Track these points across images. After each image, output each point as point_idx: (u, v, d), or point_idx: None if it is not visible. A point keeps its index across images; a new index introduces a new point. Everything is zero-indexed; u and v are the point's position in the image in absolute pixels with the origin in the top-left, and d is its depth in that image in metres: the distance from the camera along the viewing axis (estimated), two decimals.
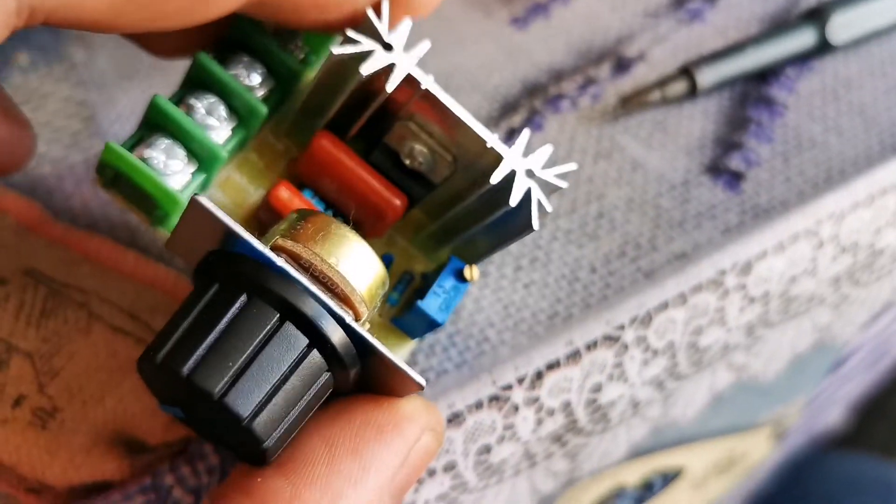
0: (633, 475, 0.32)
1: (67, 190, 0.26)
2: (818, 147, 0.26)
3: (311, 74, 0.21)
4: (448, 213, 0.20)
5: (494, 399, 0.22)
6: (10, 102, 0.20)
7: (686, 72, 0.27)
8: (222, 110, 0.19)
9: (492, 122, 0.27)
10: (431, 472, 0.22)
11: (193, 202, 0.16)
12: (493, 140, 0.18)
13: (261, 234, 0.18)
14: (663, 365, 0.24)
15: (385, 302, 0.20)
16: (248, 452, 0.17)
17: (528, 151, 0.18)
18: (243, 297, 0.16)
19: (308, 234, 0.17)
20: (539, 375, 0.22)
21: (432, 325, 0.19)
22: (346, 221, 0.19)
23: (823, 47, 0.29)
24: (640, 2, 0.31)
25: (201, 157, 0.19)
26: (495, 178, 0.18)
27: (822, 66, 0.29)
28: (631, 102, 0.27)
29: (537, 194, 0.18)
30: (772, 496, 0.54)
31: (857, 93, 0.28)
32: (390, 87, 0.18)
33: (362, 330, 0.17)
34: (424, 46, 0.19)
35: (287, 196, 0.19)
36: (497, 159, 0.18)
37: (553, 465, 0.26)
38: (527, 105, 0.28)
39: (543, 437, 0.23)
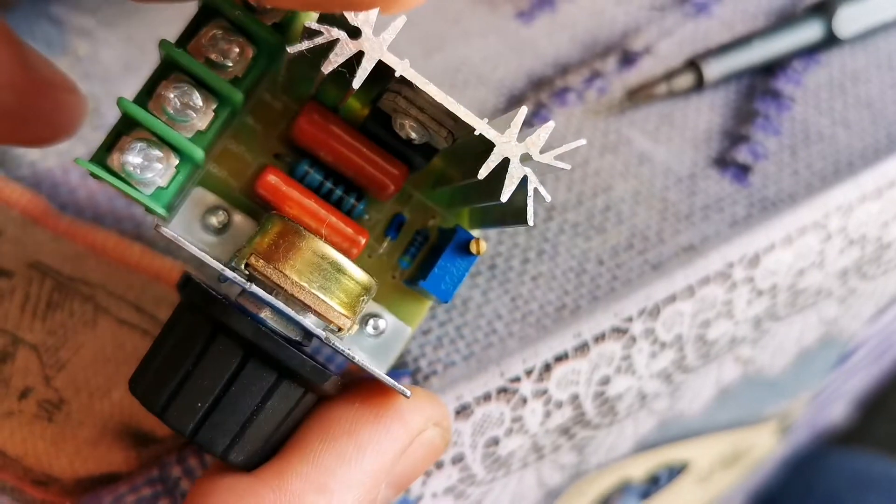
0: (639, 469, 0.32)
1: (72, 183, 0.26)
2: (826, 140, 0.26)
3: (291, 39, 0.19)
4: (462, 177, 0.18)
5: (503, 391, 0.21)
6: (62, 73, 0.20)
7: (693, 65, 0.27)
8: (197, 97, 0.17)
9: (498, 115, 0.27)
10: (439, 465, 0.22)
11: (162, 232, 0.16)
12: (481, 126, 0.16)
13: (256, 218, 0.18)
14: (671, 357, 0.24)
15: (398, 265, 0.19)
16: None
17: (525, 135, 0.17)
18: (209, 333, 0.16)
19: (281, 252, 0.17)
20: (547, 367, 0.22)
21: (439, 300, 0.19)
22: (349, 190, 0.18)
23: (830, 40, 0.28)
24: None
25: (181, 152, 0.17)
26: (483, 172, 0.16)
27: (829, 60, 0.29)
28: (637, 95, 0.27)
29: (534, 183, 0.16)
30: (776, 492, 0.54)
31: (865, 86, 0.28)
32: (357, 81, 0.16)
33: (340, 347, 0.16)
34: (398, 25, 0.16)
35: (275, 181, 0.18)
36: (490, 145, 0.16)
37: (560, 458, 0.26)
38: (533, 98, 0.28)
39: (551, 429, 0.23)
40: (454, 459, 0.22)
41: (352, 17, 0.16)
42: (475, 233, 0.19)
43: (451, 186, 0.19)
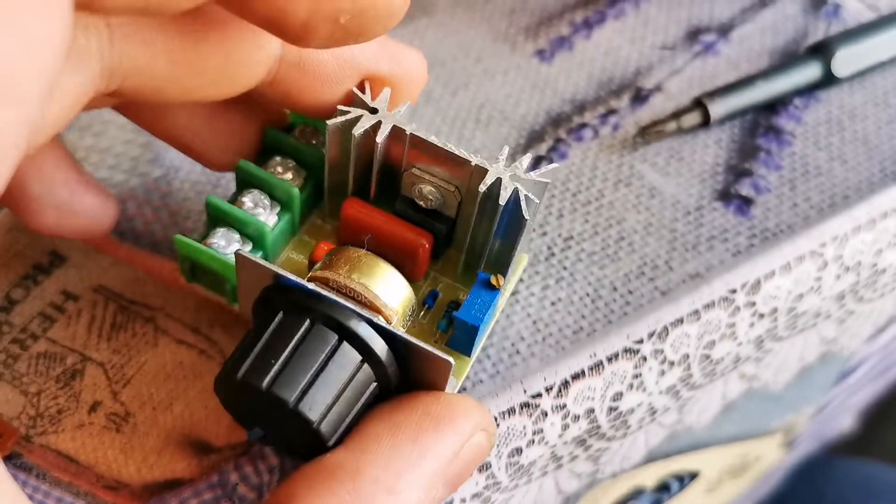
0: (650, 478, 0.34)
1: (130, 212, 0.28)
2: (823, 174, 0.28)
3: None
4: (469, 239, 0.23)
5: (525, 406, 0.24)
6: (94, 179, 0.24)
7: (700, 103, 0.29)
8: (266, 200, 0.23)
9: (519, 150, 0.29)
10: None
11: (238, 256, 0.20)
12: (476, 159, 0.21)
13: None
14: (678, 375, 0.26)
15: (437, 329, 0.23)
16: (315, 455, 0.19)
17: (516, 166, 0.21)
18: (307, 322, 0.19)
19: (338, 264, 0.21)
20: (565, 384, 0.24)
21: (472, 330, 0.21)
22: None
23: (829, 79, 0.31)
24: (658, 35, 0.34)
25: (254, 237, 0.23)
26: (483, 186, 0.21)
27: (827, 98, 0.31)
28: (649, 132, 0.29)
29: (523, 191, 0.20)
30: (785, 499, 0.56)
31: (861, 123, 0.30)
32: (380, 138, 0.21)
33: (392, 327, 0.19)
34: (405, 106, 0.22)
35: (325, 248, 0.23)
36: (485, 174, 0.21)
37: (577, 467, 0.28)
38: (552, 134, 0.30)
39: (569, 440, 0.25)
40: (481, 468, 0.24)
41: (369, 101, 0.21)
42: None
43: (466, 247, 0.23)
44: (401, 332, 0.19)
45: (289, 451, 0.21)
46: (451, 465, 0.19)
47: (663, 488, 0.36)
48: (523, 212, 0.21)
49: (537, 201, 0.21)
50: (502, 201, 0.20)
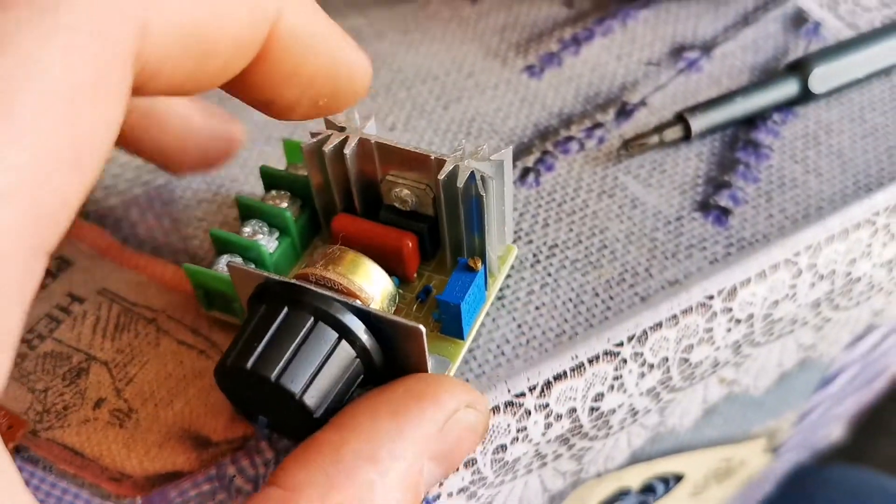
0: (635, 479, 0.35)
1: (133, 219, 0.30)
2: (799, 186, 0.30)
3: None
4: (448, 232, 0.24)
5: (509, 405, 0.25)
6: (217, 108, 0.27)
7: (681, 118, 0.31)
8: (265, 228, 0.26)
9: None
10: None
11: (230, 267, 0.22)
12: (434, 153, 0.23)
13: None
14: (658, 378, 0.27)
15: (432, 319, 0.24)
16: (309, 430, 0.21)
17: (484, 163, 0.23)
18: (285, 309, 0.21)
19: (317, 260, 0.23)
20: (548, 385, 0.25)
21: (454, 308, 0.23)
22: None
23: (806, 96, 0.32)
24: (644, 52, 0.35)
25: (256, 260, 0.25)
26: (442, 174, 0.22)
27: (805, 113, 0.32)
28: (632, 145, 0.30)
29: (479, 172, 0.22)
30: None
31: (837, 137, 0.31)
32: (348, 150, 0.23)
33: (362, 305, 0.21)
34: (370, 124, 0.24)
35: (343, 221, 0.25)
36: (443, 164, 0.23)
37: (561, 466, 0.29)
38: (539, 147, 0.31)
39: (552, 439, 0.26)
40: (467, 463, 0.25)
41: (338, 120, 0.24)
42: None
43: (447, 242, 0.25)
44: (373, 308, 0.21)
45: (289, 434, 0.23)
46: (435, 439, 0.20)
47: (648, 490, 0.37)
48: (479, 189, 0.22)
49: (492, 178, 0.22)
50: (460, 184, 0.22)
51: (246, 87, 0.20)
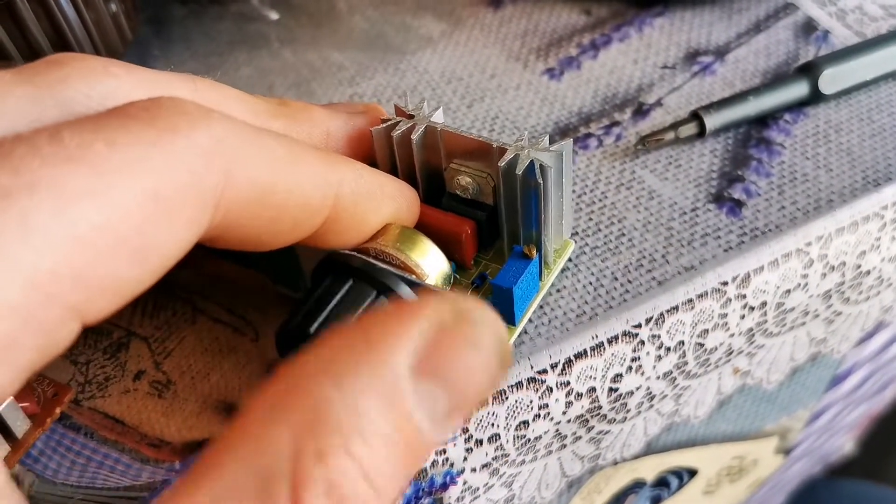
0: (650, 471, 0.36)
1: None
2: (810, 181, 0.31)
3: None
4: (506, 221, 0.25)
5: (532, 380, 0.26)
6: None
7: (696, 116, 0.32)
8: None
9: None
10: (479, 442, 0.26)
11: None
12: (496, 141, 0.24)
13: None
14: (674, 361, 0.28)
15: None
16: None
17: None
18: (350, 282, 0.22)
19: (377, 237, 0.23)
20: (569, 362, 0.26)
21: (507, 293, 0.24)
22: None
23: (816, 96, 0.33)
24: (660, 56, 0.36)
25: None
26: (502, 162, 0.23)
27: (815, 113, 0.33)
28: (649, 141, 0.32)
29: (538, 160, 0.23)
30: None
31: (846, 136, 0.33)
32: (415, 135, 0.24)
33: (416, 279, 0.22)
34: (438, 113, 0.25)
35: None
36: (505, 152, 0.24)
37: (580, 449, 0.30)
38: None
39: (572, 418, 0.27)
40: (490, 439, 0.26)
41: (408, 108, 0.25)
42: None
43: (505, 232, 0.26)
44: (427, 284, 0.22)
45: None
46: (417, 354, 0.16)
47: (662, 483, 0.37)
48: (537, 176, 0.23)
49: (550, 167, 0.23)
50: (519, 171, 0.23)
51: (317, 241, 0.22)
